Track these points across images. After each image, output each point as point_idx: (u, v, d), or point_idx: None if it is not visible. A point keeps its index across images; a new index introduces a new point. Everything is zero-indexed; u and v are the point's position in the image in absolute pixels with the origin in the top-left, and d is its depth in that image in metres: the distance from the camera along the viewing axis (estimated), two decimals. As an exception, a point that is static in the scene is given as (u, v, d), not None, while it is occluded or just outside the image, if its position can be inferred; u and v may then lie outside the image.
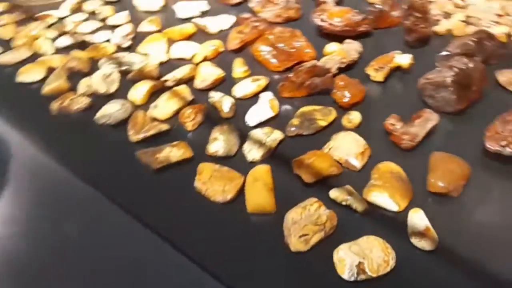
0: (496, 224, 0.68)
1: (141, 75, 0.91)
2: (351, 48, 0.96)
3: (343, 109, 0.86)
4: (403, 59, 0.93)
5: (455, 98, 0.83)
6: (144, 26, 1.06)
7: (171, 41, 1.02)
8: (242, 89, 0.89)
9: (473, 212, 0.69)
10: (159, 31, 1.05)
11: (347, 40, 0.98)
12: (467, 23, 1.07)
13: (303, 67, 0.86)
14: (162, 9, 1.14)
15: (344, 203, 0.70)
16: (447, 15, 1.08)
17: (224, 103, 0.85)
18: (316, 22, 1.02)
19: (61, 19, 1.13)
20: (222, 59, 0.98)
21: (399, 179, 0.73)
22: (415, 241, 0.65)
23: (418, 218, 0.68)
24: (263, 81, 0.90)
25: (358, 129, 0.82)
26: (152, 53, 0.98)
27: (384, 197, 0.70)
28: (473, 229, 0.67)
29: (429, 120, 0.80)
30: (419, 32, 0.97)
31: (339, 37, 1.01)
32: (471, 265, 0.63)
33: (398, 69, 0.94)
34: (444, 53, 0.94)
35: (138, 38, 1.04)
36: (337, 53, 0.94)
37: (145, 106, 0.87)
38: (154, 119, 0.83)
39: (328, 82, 0.87)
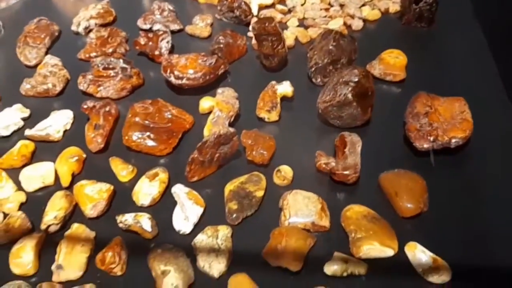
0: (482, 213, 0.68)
1: (10, 235, 0.67)
2: (228, 97, 0.86)
3: (264, 166, 0.77)
4: (285, 88, 0.87)
5: (361, 111, 0.80)
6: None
7: (12, 173, 0.77)
8: (146, 195, 0.73)
9: (455, 216, 0.68)
10: (-14, 165, 0.79)
11: (219, 90, 0.87)
12: (305, 27, 1.05)
13: (208, 142, 0.73)
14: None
15: (345, 274, 0.62)
16: (283, 25, 1.05)
17: (143, 222, 0.68)
18: (173, 82, 0.88)
19: None
20: (93, 167, 0.79)
21: (375, 220, 0.68)
22: (434, 278, 0.61)
23: (419, 253, 0.64)
24: (162, 174, 0.75)
25: (295, 183, 0.74)
26: (-2, 199, 0.73)
27: (376, 247, 0.64)
28: (467, 236, 0.66)
29: (355, 143, 0.76)
30: (279, 55, 0.92)
31: (201, 88, 0.90)
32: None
33: (282, 99, 0.87)
34: (314, 68, 0.91)
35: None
36: (218, 108, 0.84)
37: (43, 274, 0.64)
38: (69, 283, 0.62)
39: (236, 146, 0.77)
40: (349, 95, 0.79)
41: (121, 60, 0.92)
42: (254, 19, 1.07)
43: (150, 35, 0.99)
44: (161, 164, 0.79)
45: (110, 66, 0.91)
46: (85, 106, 0.84)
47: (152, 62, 0.99)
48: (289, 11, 1.11)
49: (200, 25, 1.06)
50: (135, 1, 1.18)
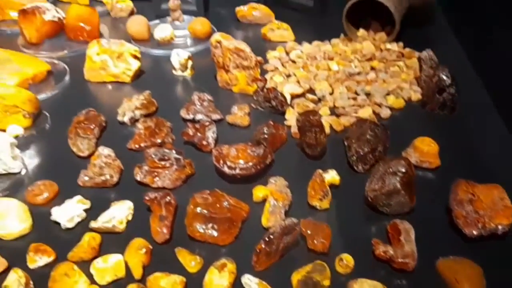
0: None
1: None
2: (281, 186, 0.92)
3: (324, 255, 0.82)
4: (332, 176, 0.93)
5: (408, 199, 0.87)
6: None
7: (82, 266, 0.80)
8: (218, 286, 0.76)
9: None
10: (55, 260, 0.81)
11: (271, 180, 0.93)
12: (336, 115, 1.13)
13: (275, 233, 0.78)
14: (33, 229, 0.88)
15: None
16: (317, 114, 1.13)
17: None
18: (227, 172, 0.94)
19: None
20: (160, 258, 0.82)
21: (440, 306, 0.72)
22: None
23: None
24: (230, 265, 0.79)
25: (355, 271, 0.79)
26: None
27: (446, 333, 0.68)
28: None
29: (408, 230, 0.82)
30: (321, 144, 0.99)
31: (251, 177, 0.96)
32: None
33: (330, 187, 0.93)
34: (355, 156, 0.98)
35: None
36: (274, 198, 0.89)
37: None
38: None
39: (297, 235, 0.82)
40: (398, 185, 0.85)
41: (173, 151, 0.98)
42: (290, 109, 1.14)
43: (197, 125, 1.05)
44: (224, 254, 0.83)
45: (165, 157, 0.96)
46: (147, 198, 0.88)
47: (198, 151, 1.05)
48: (319, 100, 1.19)
49: (240, 114, 1.13)
50: (172, 92, 1.25)
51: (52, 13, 1.39)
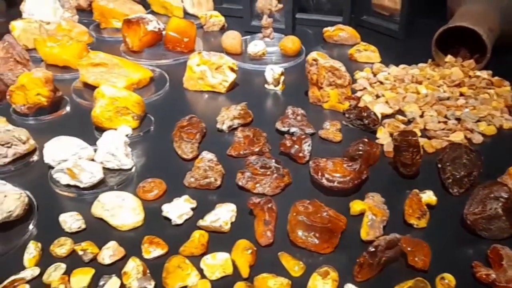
0: None
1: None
2: (378, 202, 0.94)
3: (424, 272, 0.84)
4: (429, 196, 0.95)
5: (509, 225, 0.88)
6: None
7: (191, 260, 0.85)
8: (323, 291, 0.79)
9: None
10: (167, 253, 0.87)
11: (369, 194, 0.96)
12: (428, 138, 1.15)
13: (380, 247, 0.81)
14: (145, 222, 0.95)
15: None
16: (409, 136, 1.15)
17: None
18: (325, 184, 0.98)
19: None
20: (263, 260, 0.86)
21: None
22: None
23: None
24: (332, 273, 0.82)
25: (457, 290, 0.81)
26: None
27: None
28: None
29: (510, 256, 0.83)
30: (416, 164, 1.02)
31: (345, 191, 0.99)
32: None
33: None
34: (451, 179, 0.99)
35: None
36: (372, 212, 0.92)
37: None
38: None
39: (399, 251, 0.84)
40: (500, 210, 0.87)
41: (273, 160, 1.03)
42: (381, 128, 1.17)
43: (294, 138, 1.10)
44: (323, 262, 0.86)
45: (266, 165, 1.01)
46: (251, 202, 0.93)
47: (292, 162, 1.09)
48: (409, 121, 1.22)
49: (332, 130, 1.17)
50: (265, 105, 1.31)
51: (153, 24, 1.48)
